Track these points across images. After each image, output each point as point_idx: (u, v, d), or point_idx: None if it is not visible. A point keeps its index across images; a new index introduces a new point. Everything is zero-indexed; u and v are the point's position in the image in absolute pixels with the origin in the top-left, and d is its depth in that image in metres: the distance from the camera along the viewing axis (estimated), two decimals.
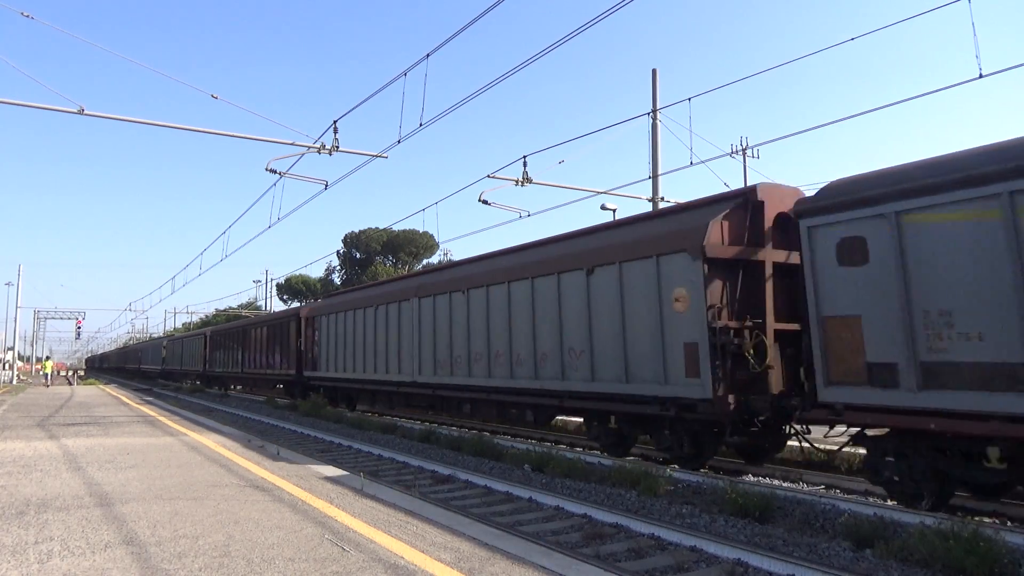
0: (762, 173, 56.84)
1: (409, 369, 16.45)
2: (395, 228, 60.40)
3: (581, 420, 13.18)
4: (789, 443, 10.36)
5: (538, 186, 18.13)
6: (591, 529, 6.44)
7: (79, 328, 63.21)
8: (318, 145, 15.11)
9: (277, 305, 61.92)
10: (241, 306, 67.93)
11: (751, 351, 8.87)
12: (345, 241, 66.13)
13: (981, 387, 6.46)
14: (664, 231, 9.97)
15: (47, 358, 60.81)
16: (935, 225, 6.96)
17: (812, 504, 7.07)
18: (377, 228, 64.36)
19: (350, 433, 15.02)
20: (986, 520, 6.97)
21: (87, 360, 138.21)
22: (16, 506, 6.16)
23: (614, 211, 23.02)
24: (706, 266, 9.02)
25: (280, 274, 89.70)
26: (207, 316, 78.35)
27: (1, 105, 13.50)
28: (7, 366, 57.05)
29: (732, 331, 8.94)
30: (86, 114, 13.58)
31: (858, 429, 7.93)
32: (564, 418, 15.43)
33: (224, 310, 72.77)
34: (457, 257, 55.73)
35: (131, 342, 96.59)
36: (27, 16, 13.46)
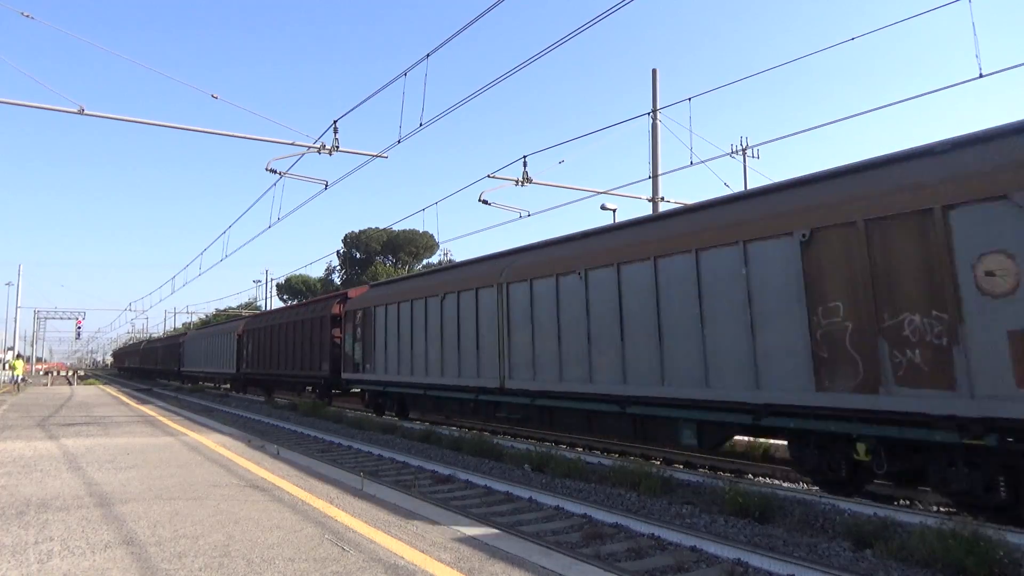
0: (762, 173, 56.73)
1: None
2: (395, 228, 60.51)
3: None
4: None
5: (538, 186, 18.13)
6: (591, 529, 6.43)
7: (79, 328, 63.25)
8: (318, 145, 15.11)
9: (277, 305, 61.84)
10: (241, 306, 67.95)
11: None
12: (345, 241, 66.17)
13: None
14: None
15: (18, 356, 48.51)
16: None
17: (812, 504, 7.07)
18: (377, 228, 64.40)
19: (350, 433, 15.02)
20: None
21: (114, 354, 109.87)
22: (16, 506, 6.16)
23: (614, 211, 23.02)
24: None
25: (280, 274, 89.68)
26: (207, 316, 78.35)
27: (1, 105, 13.52)
28: (7, 366, 57.00)
29: None
30: (86, 114, 13.59)
31: None
32: None
33: (224, 310, 72.77)
34: (457, 257, 55.86)
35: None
36: (27, 16, 13.47)
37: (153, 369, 59.89)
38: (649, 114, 18.92)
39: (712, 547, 5.68)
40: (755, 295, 8.15)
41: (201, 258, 38.73)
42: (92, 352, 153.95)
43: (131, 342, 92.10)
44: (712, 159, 18.81)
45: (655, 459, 11.13)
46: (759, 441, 10.96)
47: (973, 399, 6.13)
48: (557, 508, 7.37)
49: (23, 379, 42.48)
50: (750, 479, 9.43)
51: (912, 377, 6.60)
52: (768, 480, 9.53)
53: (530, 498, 7.89)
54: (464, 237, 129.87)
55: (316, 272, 72.15)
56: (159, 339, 67.87)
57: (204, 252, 38.18)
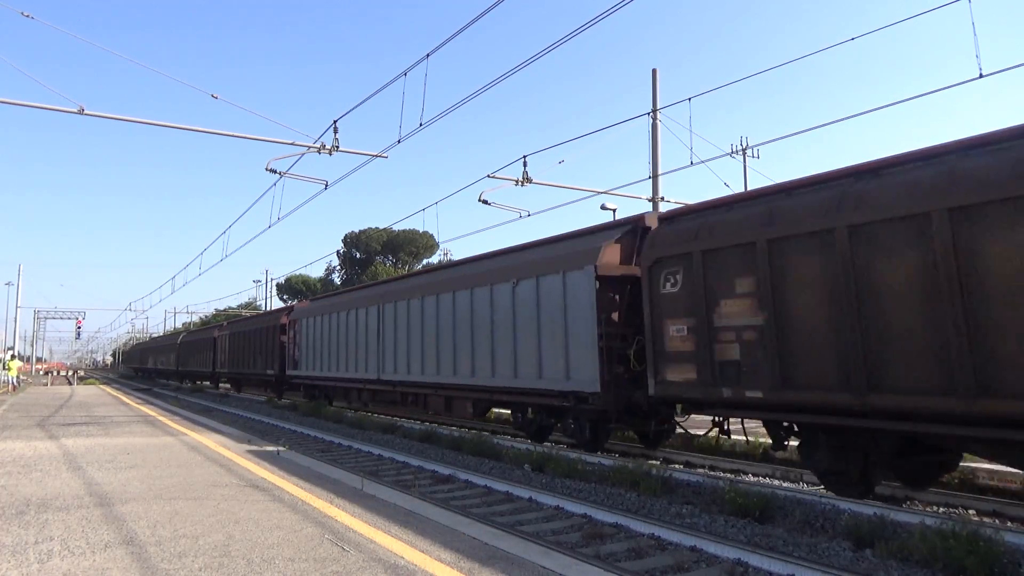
0: (762, 173, 56.79)
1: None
2: (395, 228, 60.59)
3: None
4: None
5: (538, 186, 18.16)
6: (591, 529, 6.43)
7: (79, 328, 63.25)
8: (318, 145, 15.11)
9: (277, 305, 61.76)
10: (241, 306, 67.94)
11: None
12: (345, 241, 66.20)
13: None
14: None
15: (12, 356, 43.18)
16: None
17: (812, 504, 7.06)
18: (377, 228, 64.45)
19: (350, 433, 15.02)
20: (986, 520, 6.97)
21: (131, 351, 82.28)
22: (16, 506, 6.16)
23: (614, 211, 23.01)
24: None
25: (280, 274, 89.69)
26: (207, 316, 78.36)
27: (1, 105, 13.52)
28: (3, 366, 56.90)
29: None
30: (86, 114, 13.59)
31: None
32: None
33: (224, 310, 72.75)
34: (457, 257, 55.72)
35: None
36: (27, 16, 13.47)
37: (203, 372, 37.21)
38: (649, 114, 18.93)
39: (712, 547, 5.68)
40: None
41: (201, 258, 38.83)
42: (92, 352, 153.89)
43: (134, 339, 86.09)
44: (712, 159, 18.86)
45: (655, 459, 11.13)
46: (760, 440, 10.96)
47: None
48: (557, 508, 7.37)
49: (17, 380, 38.19)
50: (750, 479, 9.43)
51: None
52: (768, 480, 9.53)
53: (530, 498, 7.89)
54: (464, 237, 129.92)
55: (316, 272, 72.21)
56: (216, 326, 40.16)
57: (204, 252, 38.23)
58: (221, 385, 37.14)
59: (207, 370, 36.56)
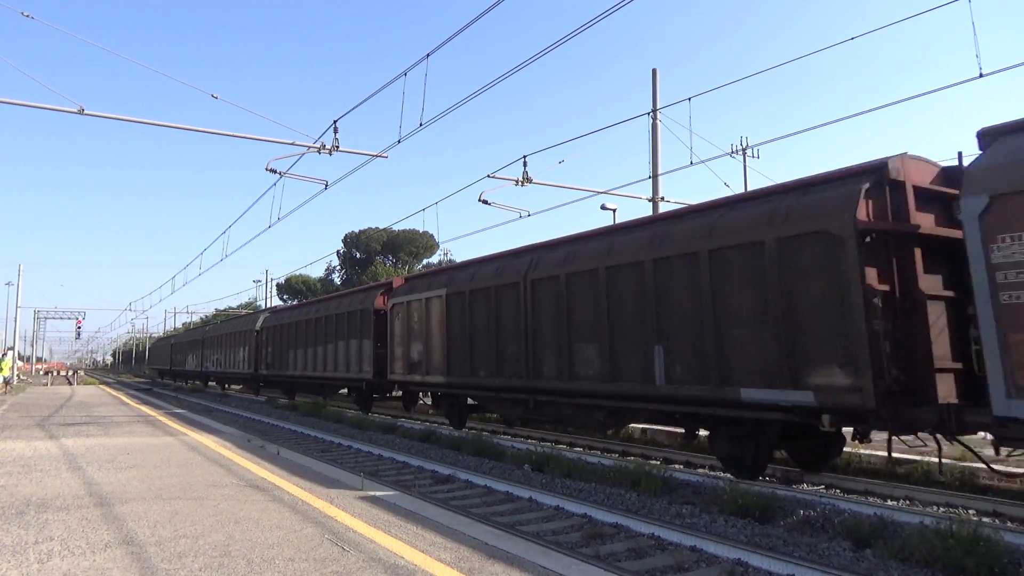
0: (762, 173, 56.81)
1: None
2: (395, 228, 60.46)
3: None
4: None
5: (538, 186, 18.15)
6: (591, 529, 6.43)
7: (79, 328, 63.20)
8: (318, 145, 15.12)
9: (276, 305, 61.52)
10: (241, 306, 67.89)
11: None
12: (345, 241, 66.13)
13: None
14: None
15: (4, 355, 38.23)
16: None
17: (812, 504, 7.07)
18: (377, 228, 64.37)
19: (350, 433, 15.02)
20: (986, 520, 6.97)
21: (156, 347, 65.39)
22: (16, 506, 6.16)
23: (614, 211, 23.02)
24: None
25: (280, 274, 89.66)
26: (207, 316, 78.34)
27: (1, 105, 13.52)
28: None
29: None
30: (86, 114, 13.59)
31: None
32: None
33: (224, 310, 72.74)
34: (457, 257, 55.58)
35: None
36: (27, 16, 13.47)
37: (336, 379, 20.46)
38: (649, 114, 18.92)
39: (712, 547, 5.68)
40: None
41: (201, 258, 38.73)
42: (92, 352, 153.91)
43: (134, 338, 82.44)
44: (712, 159, 18.91)
45: (655, 459, 11.13)
46: None
47: None
48: (557, 508, 7.37)
49: (8, 380, 35.05)
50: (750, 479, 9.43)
51: None
52: (768, 480, 9.52)
53: (530, 498, 7.89)
54: (464, 237, 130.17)
55: (316, 272, 72.15)
56: (381, 285, 19.39)
57: (204, 252, 38.21)
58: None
59: (349, 375, 19.55)
